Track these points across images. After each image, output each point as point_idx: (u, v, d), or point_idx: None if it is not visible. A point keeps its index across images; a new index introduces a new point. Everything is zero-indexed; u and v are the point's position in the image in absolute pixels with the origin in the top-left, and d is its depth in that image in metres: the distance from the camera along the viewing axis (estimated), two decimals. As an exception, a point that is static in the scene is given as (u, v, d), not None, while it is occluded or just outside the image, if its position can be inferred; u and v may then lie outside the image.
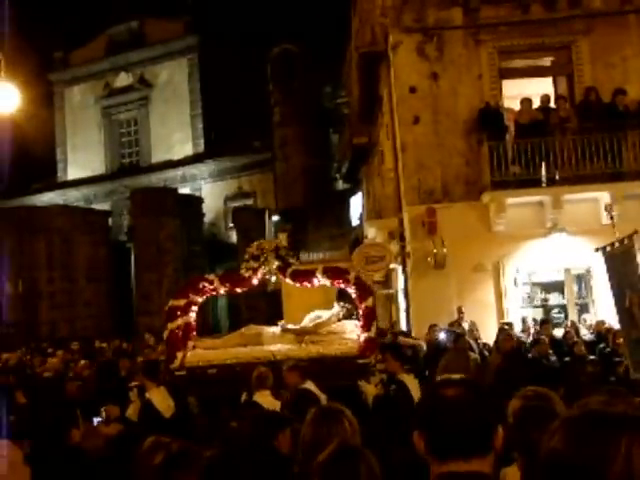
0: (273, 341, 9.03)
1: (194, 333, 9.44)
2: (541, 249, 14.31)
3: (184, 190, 32.61)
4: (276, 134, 32.49)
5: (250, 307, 28.87)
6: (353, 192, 29.01)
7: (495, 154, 13.94)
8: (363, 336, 8.54)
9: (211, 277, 9.44)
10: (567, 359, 9.94)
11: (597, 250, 8.22)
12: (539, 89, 15.34)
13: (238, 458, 1.72)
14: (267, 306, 28.33)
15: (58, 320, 26.95)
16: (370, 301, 8.69)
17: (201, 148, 36.05)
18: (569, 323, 13.22)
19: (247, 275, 9.10)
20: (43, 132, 35.52)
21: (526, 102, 14.53)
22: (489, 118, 14.28)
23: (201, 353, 8.88)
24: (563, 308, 14.76)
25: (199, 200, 32.45)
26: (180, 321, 8.94)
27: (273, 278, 9.33)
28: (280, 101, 32.27)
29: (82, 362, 12.87)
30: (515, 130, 14.34)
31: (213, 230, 34.10)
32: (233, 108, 34.55)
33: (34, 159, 37.84)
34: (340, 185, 31.80)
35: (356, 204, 28.20)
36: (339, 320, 9.37)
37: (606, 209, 12.26)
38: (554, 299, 15.04)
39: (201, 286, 9.22)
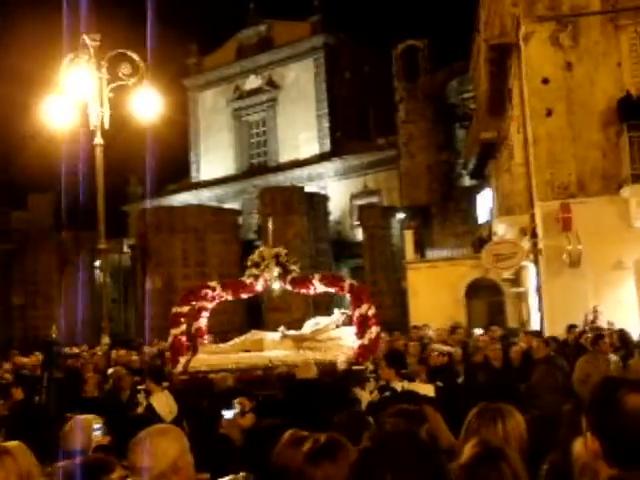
0: (273, 347, 9.15)
1: (204, 338, 9.75)
2: (688, 246, 13.41)
3: (310, 189, 33.10)
4: (401, 131, 32.32)
5: (376, 304, 28.85)
6: (480, 188, 28.37)
7: (636, 146, 13.19)
8: (357, 343, 8.62)
9: (213, 284, 9.71)
10: None
11: None
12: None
13: (394, 449, 1.73)
14: (393, 303, 28.29)
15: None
16: (364, 308, 8.78)
17: (327, 147, 36.48)
18: None
19: (249, 282, 9.35)
20: (178, 136, 37.30)
21: (670, 89, 13.64)
22: (629, 108, 13.53)
23: (204, 358, 9.06)
24: None
25: (325, 198, 32.83)
26: (184, 327, 9.23)
27: (275, 285, 9.41)
28: (405, 98, 32.07)
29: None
30: (659, 120, 13.51)
31: (338, 228, 34.43)
32: (358, 106, 34.74)
33: (170, 162, 39.83)
34: (466, 181, 31.17)
35: (483, 200, 27.57)
36: (337, 327, 9.41)
37: None
38: (703, 299, 14.03)
39: (203, 293, 9.52)
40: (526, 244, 16.10)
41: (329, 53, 36.44)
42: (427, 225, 29.29)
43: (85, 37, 11.47)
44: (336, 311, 9.72)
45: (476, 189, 28.97)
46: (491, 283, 22.97)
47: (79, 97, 11.47)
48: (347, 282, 9.22)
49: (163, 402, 6.87)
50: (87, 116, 11.79)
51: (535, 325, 16.12)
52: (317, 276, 9.47)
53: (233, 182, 39.08)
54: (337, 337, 9.18)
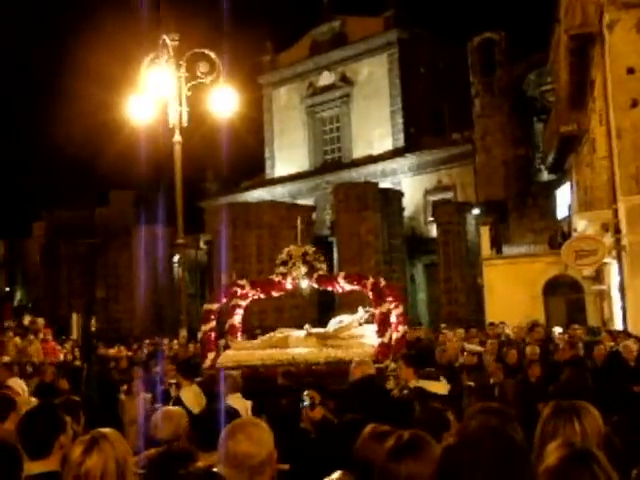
0: (298, 344, 9.26)
1: (238, 334, 9.96)
2: None
3: (384, 184, 32.96)
4: (477, 125, 31.77)
5: (450, 301, 28.55)
6: (560, 183, 27.62)
7: None
8: (378, 341, 8.72)
9: (242, 282, 9.90)
10: None
11: None
12: None
13: (484, 446, 1.69)
14: (468, 300, 27.89)
15: (267, 309, 28.53)
16: (385, 307, 8.91)
17: (401, 142, 36.23)
18: None
19: (277, 280, 9.53)
20: (253, 133, 37.77)
21: None
22: None
23: (232, 354, 9.28)
24: None
25: (399, 194, 32.63)
26: (214, 324, 9.47)
27: (304, 283, 9.54)
28: (481, 92, 31.50)
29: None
30: None
31: (413, 224, 34.15)
32: (432, 101, 34.35)
33: (245, 158, 40.43)
34: (545, 176, 30.37)
35: (563, 196, 26.82)
36: (360, 325, 9.48)
37: None
38: None
39: (233, 290, 9.75)
40: (608, 240, 15.56)
41: (403, 48, 36.14)
42: (503, 221, 28.70)
43: (165, 37, 11.75)
44: (360, 309, 9.81)
45: (555, 184, 28.22)
46: (571, 280, 22.34)
47: (159, 96, 11.76)
48: (370, 280, 9.31)
49: (191, 396, 7.08)
50: (166, 114, 12.08)
51: (618, 324, 15.57)
52: (341, 274, 9.80)
53: (307, 178, 39.30)
54: (359, 335, 9.30)
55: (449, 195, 34.01)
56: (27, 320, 17.73)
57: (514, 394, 8.42)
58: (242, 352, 9.34)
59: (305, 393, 5.36)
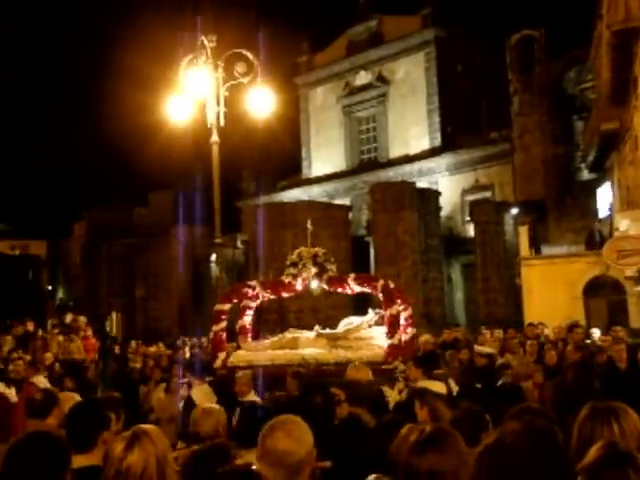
0: (308, 345, 9.33)
1: (248, 335, 10.07)
2: None
3: (421, 184, 32.78)
4: (515, 124, 31.38)
5: (488, 302, 28.28)
6: (600, 182, 27.16)
7: None
8: (387, 342, 8.81)
9: (253, 283, 10.05)
10: None
11: None
12: None
13: (523, 445, 1.68)
14: (506, 301, 27.59)
15: (303, 309, 28.61)
16: (395, 309, 8.98)
17: (438, 142, 35.99)
18: None
19: (287, 281, 9.63)
20: (290, 133, 37.90)
21: None
22: None
23: (242, 354, 9.42)
24: None
25: (436, 194, 32.41)
26: (224, 324, 9.60)
27: (314, 284, 9.59)
28: (519, 90, 31.10)
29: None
30: None
31: (450, 224, 33.90)
32: (470, 100, 34.05)
33: (281, 158, 40.62)
34: (585, 175, 29.87)
35: (604, 195, 26.35)
36: (370, 326, 9.53)
37: None
38: None
39: (244, 291, 9.87)
40: (652, 240, 15.25)
41: (440, 46, 35.89)
42: (542, 221, 28.31)
43: (203, 38, 11.85)
44: (370, 311, 9.83)
45: (596, 183, 27.75)
46: (612, 281, 21.92)
47: (197, 96, 11.86)
48: (380, 282, 9.35)
49: (202, 395, 7.14)
50: (204, 114, 12.18)
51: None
52: (352, 276, 9.83)
53: (343, 178, 39.28)
54: (369, 337, 9.37)
55: (487, 194, 33.66)
56: (69, 318, 18.06)
57: (551, 396, 8.34)
58: (252, 353, 9.51)
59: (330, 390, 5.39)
